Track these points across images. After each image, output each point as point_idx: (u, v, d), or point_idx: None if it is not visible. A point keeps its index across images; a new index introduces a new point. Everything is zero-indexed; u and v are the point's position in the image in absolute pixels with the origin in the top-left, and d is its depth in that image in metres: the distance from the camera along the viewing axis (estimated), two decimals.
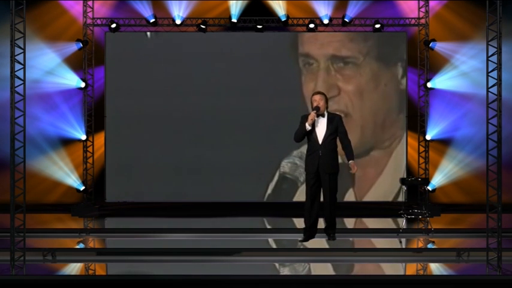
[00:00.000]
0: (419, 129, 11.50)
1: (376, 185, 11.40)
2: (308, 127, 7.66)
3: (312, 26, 11.19)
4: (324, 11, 11.27)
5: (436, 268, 7.17)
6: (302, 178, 11.25)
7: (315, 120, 7.66)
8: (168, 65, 11.31)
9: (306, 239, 7.87)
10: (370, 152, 11.39)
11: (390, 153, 11.39)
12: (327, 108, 7.81)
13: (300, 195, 11.24)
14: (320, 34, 11.35)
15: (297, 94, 11.24)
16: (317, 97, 7.76)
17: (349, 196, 11.35)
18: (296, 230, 9.37)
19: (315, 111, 7.65)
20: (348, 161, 7.72)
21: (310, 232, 7.85)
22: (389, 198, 11.37)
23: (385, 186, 11.38)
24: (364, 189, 11.43)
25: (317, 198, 7.78)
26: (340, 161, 7.99)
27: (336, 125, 7.70)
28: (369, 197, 11.44)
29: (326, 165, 7.69)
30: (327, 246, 7.88)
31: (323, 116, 7.74)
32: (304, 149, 10.34)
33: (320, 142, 7.68)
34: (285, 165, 11.35)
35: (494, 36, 6.88)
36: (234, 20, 11.26)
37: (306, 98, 11.10)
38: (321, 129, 7.70)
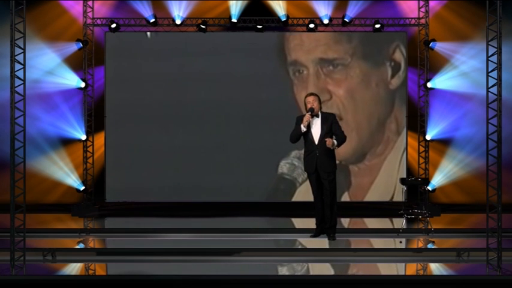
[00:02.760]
0: (419, 129, 11.49)
1: (371, 190, 11.40)
2: (303, 128, 7.91)
3: (312, 26, 11.18)
4: (324, 11, 11.27)
5: (436, 268, 7.17)
6: (300, 179, 11.27)
7: (309, 121, 7.84)
8: (168, 65, 11.30)
9: (315, 235, 8.21)
10: (365, 157, 11.38)
11: (384, 158, 11.37)
12: (320, 108, 7.97)
13: (298, 196, 11.27)
14: (306, 39, 11.31)
15: (298, 97, 11.24)
16: (310, 98, 7.99)
17: (344, 199, 11.35)
18: (295, 230, 9.40)
19: (309, 113, 7.87)
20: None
21: (320, 228, 8.19)
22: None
23: (379, 191, 11.37)
24: (359, 194, 11.43)
25: (323, 195, 8.04)
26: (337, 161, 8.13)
27: (330, 124, 7.94)
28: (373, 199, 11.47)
29: (324, 165, 7.96)
30: (327, 246, 7.89)
31: (317, 116, 7.94)
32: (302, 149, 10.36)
33: (316, 142, 7.93)
34: (283, 166, 11.35)
35: (494, 36, 6.88)
36: (234, 20, 11.26)
37: (300, 102, 11.12)
38: (316, 129, 7.94)
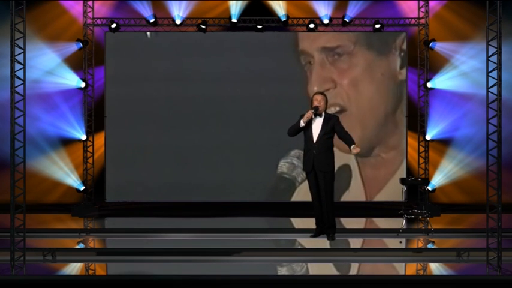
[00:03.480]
0: (419, 129, 11.49)
1: (388, 185, 11.39)
2: (302, 124, 7.89)
3: (312, 26, 11.19)
4: (324, 11, 11.27)
5: (436, 268, 7.16)
6: (300, 178, 11.27)
7: (311, 118, 7.85)
8: (168, 65, 11.31)
9: (315, 235, 8.21)
10: (373, 149, 11.39)
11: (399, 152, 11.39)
12: (325, 109, 7.98)
13: (298, 196, 11.27)
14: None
15: (297, 95, 11.21)
16: (318, 97, 8.01)
17: (360, 196, 11.35)
18: (295, 230, 9.40)
19: (312, 111, 7.85)
20: (350, 147, 7.87)
21: (320, 228, 8.19)
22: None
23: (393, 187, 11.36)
24: (374, 190, 11.43)
25: (320, 195, 8.03)
26: (337, 163, 8.11)
27: (331, 125, 7.96)
28: (380, 198, 11.43)
29: (321, 164, 7.96)
30: (327, 246, 7.89)
31: (320, 116, 7.93)
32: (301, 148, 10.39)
33: (314, 141, 7.96)
34: (283, 166, 11.35)
35: (494, 36, 6.88)
36: (234, 20, 11.26)
37: (300, 99, 11.10)
38: (316, 128, 7.97)
